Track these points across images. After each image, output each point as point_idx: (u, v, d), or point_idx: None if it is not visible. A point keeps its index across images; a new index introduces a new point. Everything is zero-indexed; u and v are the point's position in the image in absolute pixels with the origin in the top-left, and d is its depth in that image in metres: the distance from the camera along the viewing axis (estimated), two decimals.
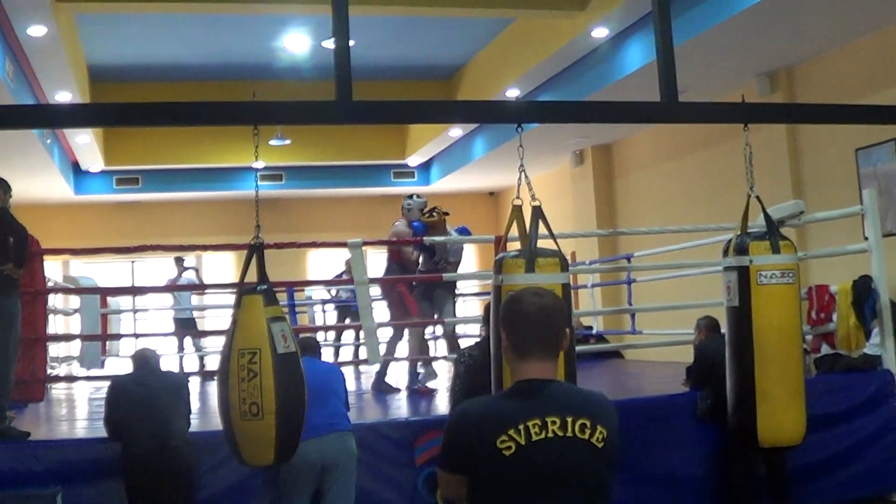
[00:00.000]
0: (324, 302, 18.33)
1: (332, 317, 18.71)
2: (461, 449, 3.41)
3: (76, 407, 12.30)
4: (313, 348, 7.78)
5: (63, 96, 15.85)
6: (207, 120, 7.07)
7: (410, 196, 12.49)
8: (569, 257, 19.94)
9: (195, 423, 8.14)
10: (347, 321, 17.22)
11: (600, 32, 14.24)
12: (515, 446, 3.28)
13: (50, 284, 13.17)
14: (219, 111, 6.56)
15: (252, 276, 6.30)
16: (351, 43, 6.00)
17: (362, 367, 14.70)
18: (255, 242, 6.28)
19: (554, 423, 3.31)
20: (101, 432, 7.74)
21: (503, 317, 3.58)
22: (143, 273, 25.54)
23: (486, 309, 7.72)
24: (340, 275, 16.25)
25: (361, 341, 14.15)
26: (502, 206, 26.80)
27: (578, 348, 14.29)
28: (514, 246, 6.56)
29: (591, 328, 17.16)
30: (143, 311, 18.75)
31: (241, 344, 5.78)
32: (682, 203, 17.45)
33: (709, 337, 9.20)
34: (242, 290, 6.08)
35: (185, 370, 15.67)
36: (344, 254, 15.47)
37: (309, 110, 6.57)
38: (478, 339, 7.91)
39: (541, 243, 6.25)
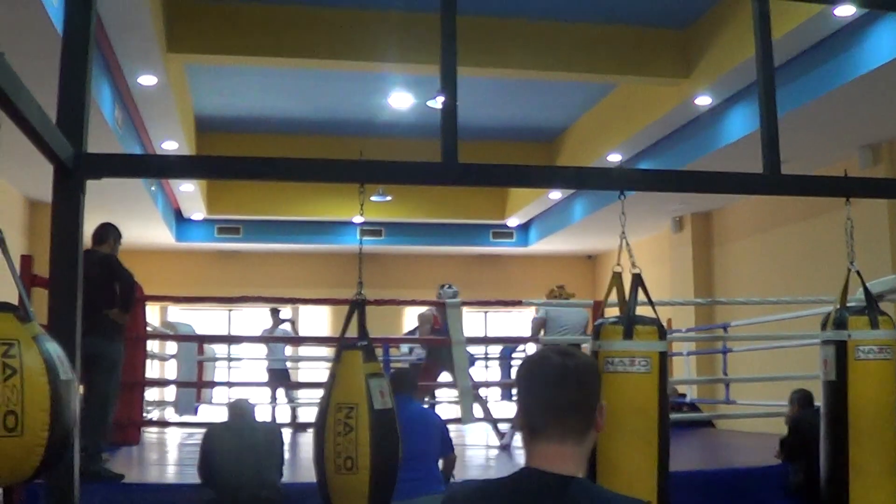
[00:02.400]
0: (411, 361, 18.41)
1: None
2: None
3: (168, 451, 12.46)
4: (409, 386, 7.68)
5: (170, 145, 16.16)
6: (314, 177, 7.17)
7: (442, 286, 13.32)
8: (665, 324, 19.89)
9: (286, 474, 8.22)
10: None
11: (704, 100, 14.22)
12: None
13: (149, 329, 13.40)
14: (326, 168, 6.64)
15: (352, 331, 6.37)
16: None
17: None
18: (357, 298, 6.33)
19: None
20: (193, 478, 7.86)
21: (516, 378, 2.80)
22: (239, 321, 25.84)
23: None
24: (413, 331, 16.26)
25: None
26: (600, 269, 26.74)
27: (671, 416, 14.29)
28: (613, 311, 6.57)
29: (684, 396, 17.02)
30: (238, 359, 18.92)
31: (339, 398, 5.85)
32: (780, 273, 17.29)
33: (802, 410, 9.14)
34: (343, 344, 6.14)
35: (278, 420, 15.77)
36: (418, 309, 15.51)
37: (416, 171, 6.63)
38: None
39: (640, 311, 6.25)
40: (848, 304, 6.88)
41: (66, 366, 3.92)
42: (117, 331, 8.51)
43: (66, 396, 3.84)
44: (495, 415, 13.12)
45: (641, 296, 6.35)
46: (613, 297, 6.50)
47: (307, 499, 7.56)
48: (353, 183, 6.18)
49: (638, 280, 6.23)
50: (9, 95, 3.96)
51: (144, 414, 13.49)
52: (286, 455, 8.37)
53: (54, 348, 3.90)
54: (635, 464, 5.74)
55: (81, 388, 8.25)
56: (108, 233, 8.83)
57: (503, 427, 12.50)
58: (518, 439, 11.62)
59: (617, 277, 6.41)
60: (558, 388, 2.64)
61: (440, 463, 8.07)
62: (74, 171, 5.36)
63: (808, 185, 7.12)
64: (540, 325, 12.80)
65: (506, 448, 12.23)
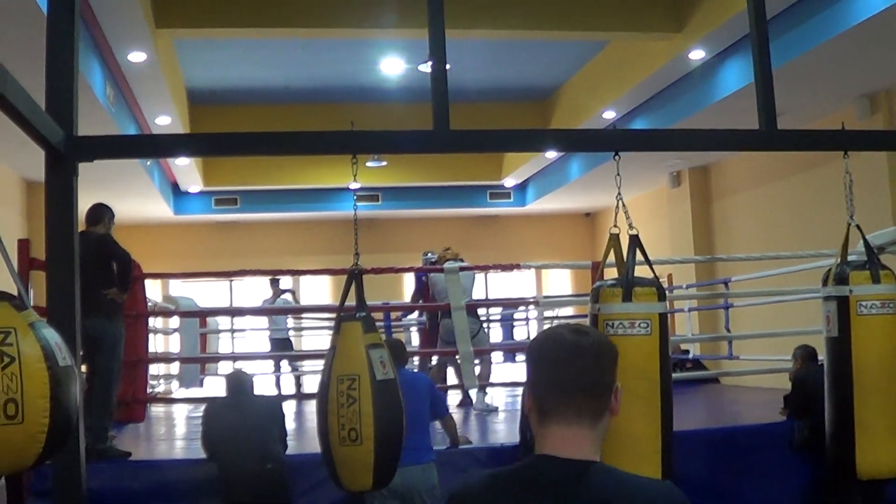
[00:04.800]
0: (419, 324, 18.36)
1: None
2: None
3: (175, 427, 12.50)
4: (399, 355, 7.44)
5: (163, 120, 16.11)
6: (306, 149, 7.19)
7: (426, 253, 14.31)
8: (665, 280, 19.89)
9: (292, 446, 8.25)
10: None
11: (697, 54, 14.15)
12: None
13: (150, 305, 13.40)
14: (317, 141, 6.63)
15: (351, 302, 6.36)
16: (447, 67, 6.04)
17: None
18: (354, 269, 6.32)
19: None
20: (199, 453, 7.88)
21: (526, 358, 2.59)
22: (241, 292, 25.84)
23: None
24: (418, 286, 16.23)
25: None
26: (599, 227, 26.70)
27: (674, 375, 14.32)
28: (612, 273, 6.55)
29: (687, 352, 17.04)
30: (241, 331, 18.94)
31: (341, 370, 5.84)
32: (781, 226, 17.25)
33: (805, 366, 9.14)
34: (342, 316, 6.14)
35: (282, 390, 15.80)
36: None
37: (407, 140, 6.61)
38: None
39: (638, 271, 6.23)
40: (849, 259, 6.86)
41: (64, 351, 3.92)
42: (117, 310, 8.52)
43: (65, 382, 3.84)
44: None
45: (640, 257, 6.34)
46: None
47: (314, 470, 7.60)
48: (345, 154, 6.15)
49: (636, 241, 6.20)
50: None
51: (149, 389, 13.53)
52: (292, 426, 8.40)
53: (51, 335, 3.90)
54: (639, 427, 5.73)
55: (84, 369, 8.28)
56: (101, 213, 8.81)
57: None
58: (480, 401, 11.90)
59: (614, 239, 6.39)
60: (571, 367, 2.46)
61: (439, 428, 8.12)
62: (66, 154, 5.36)
63: (805, 140, 7.08)
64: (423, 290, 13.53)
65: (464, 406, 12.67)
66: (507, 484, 2.47)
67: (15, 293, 3.97)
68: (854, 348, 6.53)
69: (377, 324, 7.48)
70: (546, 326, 10.89)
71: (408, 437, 6.33)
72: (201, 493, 7.65)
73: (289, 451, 7.91)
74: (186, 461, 8.51)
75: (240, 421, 7.53)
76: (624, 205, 6.20)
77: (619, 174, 6.19)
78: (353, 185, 6.46)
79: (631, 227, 6.17)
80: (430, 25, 6.17)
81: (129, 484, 7.77)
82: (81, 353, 7.90)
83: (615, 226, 6.26)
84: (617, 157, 6.31)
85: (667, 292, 17.38)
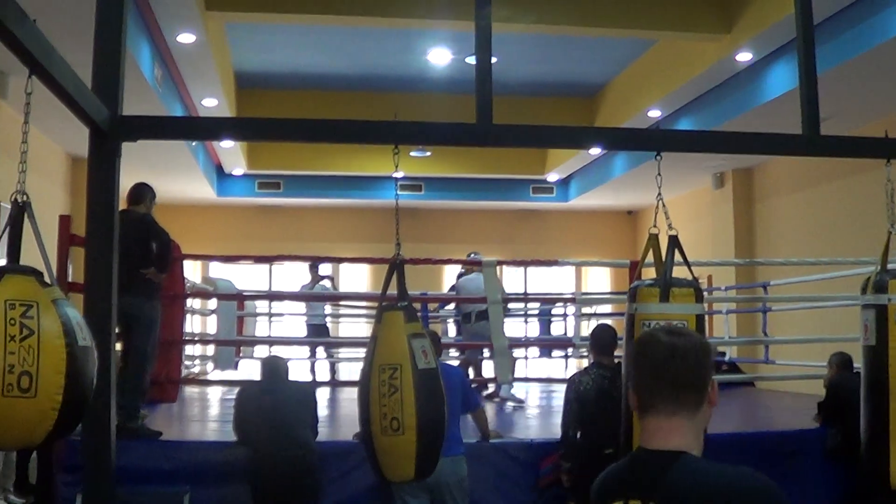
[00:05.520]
0: (456, 315, 18.33)
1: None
2: None
3: (208, 408, 12.55)
4: (434, 347, 7.59)
5: (210, 102, 16.17)
6: (347, 138, 7.21)
7: (470, 254, 14.42)
8: (704, 281, 19.81)
9: (325, 432, 8.28)
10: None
11: (745, 56, 14.10)
12: None
13: (189, 286, 13.46)
14: (359, 130, 6.63)
15: (393, 292, 6.36)
16: (493, 60, 6.03)
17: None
18: (396, 259, 6.32)
19: None
20: (231, 435, 7.91)
21: (625, 360, 2.98)
22: (280, 276, 25.90)
23: (595, 335, 7.73)
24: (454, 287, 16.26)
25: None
26: (641, 225, 26.59)
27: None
28: (651, 273, 6.53)
29: (723, 355, 16.96)
30: (278, 315, 18.98)
31: (382, 360, 5.84)
32: (823, 231, 17.14)
33: (840, 373, 9.08)
34: (383, 306, 6.14)
35: (317, 376, 15.83)
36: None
37: (449, 132, 6.60)
38: (587, 366, 7.91)
39: (679, 271, 6.20)
40: (889, 268, 6.79)
41: (84, 332, 3.94)
42: (154, 290, 8.56)
43: (83, 361, 3.86)
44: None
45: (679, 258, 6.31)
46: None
47: (344, 458, 7.63)
48: (388, 144, 6.15)
49: (675, 242, 6.19)
50: (40, 61, 3.98)
51: (184, 370, 13.59)
52: (325, 412, 8.40)
53: (74, 313, 3.92)
54: None
55: (119, 347, 8.33)
56: (143, 193, 8.85)
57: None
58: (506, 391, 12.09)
59: (653, 239, 6.36)
60: (666, 367, 2.69)
61: (470, 421, 8.12)
62: (110, 134, 5.38)
63: (848, 146, 7.03)
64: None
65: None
66: (615, 476, 2.75)
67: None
68: (891, 357, 6.45)
69: None
70: (596, 322, 10.94)
71: None
72: (230, 475, 7.69)
73: (321, 439, 7.92)
74: (217, 443, 8.55)
75: (272, 406, 7.56)
76: (664, 205, 6.18)
77: (659, 174, 6.17)
78: (396, 175, 6.45)
79: (670, 227, 6.15)
80: (477, 17, 6.17)
81: (159, 463, 7.81)
82: (117, 331, 8.01)
83: (654, 226, 6.24)
84: (658, 158, 6.29)
85: (705, 294, 17.45)
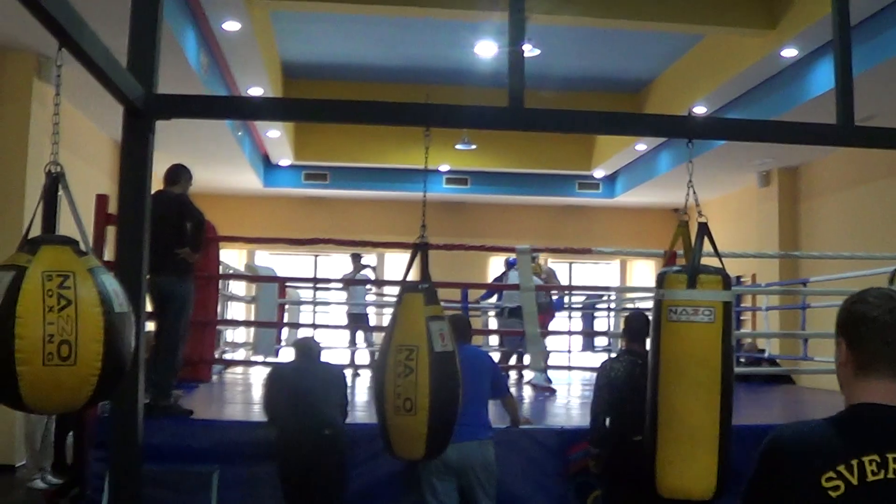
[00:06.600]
0: (497, 307, 18.37)
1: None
2: (773, 485, 2.69)
3: (243, 391, 12.65)
4: (463, 331, 7.65)
5: (255, 91, 16.28)
6: (378, 119, 7.21)
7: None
8: (749, 279, 19.76)
9: (359, 415, 8.34)
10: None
11: (790, 52, 14.05)
12: (846, 487, 2.55)
13: (230, 272, 13.54)
14: (389, 111, 6.68)
15: (417, 276, 6.39)
16: (537, 52, 6.07)
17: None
18: (419, 241, 6.36)
19: None
20: (260, 416, 7.98)
21: (842, 321, 2.83)
22: (325, 267, 26.04)
23: (628, 321, 7.73)
24: (501, 276, 16.28)
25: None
26: (692, 226, 26.42)
27: (749, 370, 14.27)
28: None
29: (763, 351, 16.90)
30: (322, 303, 19.06)
31: (400, 340, 5.85)
32: (868, 229, 17.03)
33: None
34: (404, 287, 6.16)
35: (357, 364, 15.91)
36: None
37: (479, 115, 6.62)
38: (618, 352, 7.92)
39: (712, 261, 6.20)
40: None
41: (121, 298, 4.00)
42: (188, 269, 8.62)
43: (120, 328, 3.92)
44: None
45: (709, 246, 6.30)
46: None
47: (374, 440, 7.67)
48: (417, 126, 6.18)
49: (703, 229, 6.18)
50: (69, 32, 4.03)
51: (224, 354, 13.68)
52: (360, 396, 8.44)
53: (110, 281, 3.98)
54: (697, 414, 5.70)
55: (153, 326, 8.42)
56: (180, 173, 8.93)
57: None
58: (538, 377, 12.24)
59: (684, 226, 6.37)
60: (892, 331, 2.69)
61: (501, 407, 8.15)
62: (143, 111, 5.43)
63: (881, 137, 6.96)
64: None
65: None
66: (830, 423, 2.70)
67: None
68: None
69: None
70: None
71: (466, 412, 6.35)
72: (259, 455, 7.76)
73: (352, 420, 7.97)
74: (246, 423, 8.64)
75: (301, 386, 7.60)
76: (694, 192, 6.17)
77: (691, 160, 6.17)
78: (426, 163, 6.46)
79: (700, 214, 6.15)
80: (512, 2, 6.19)
81: (189, 441, 7.90)
82: (150, 310, 8.10)
83: (685, 213, 6.25)
84: (690, 145, 6.29)
85: (748, 291, 17.32)
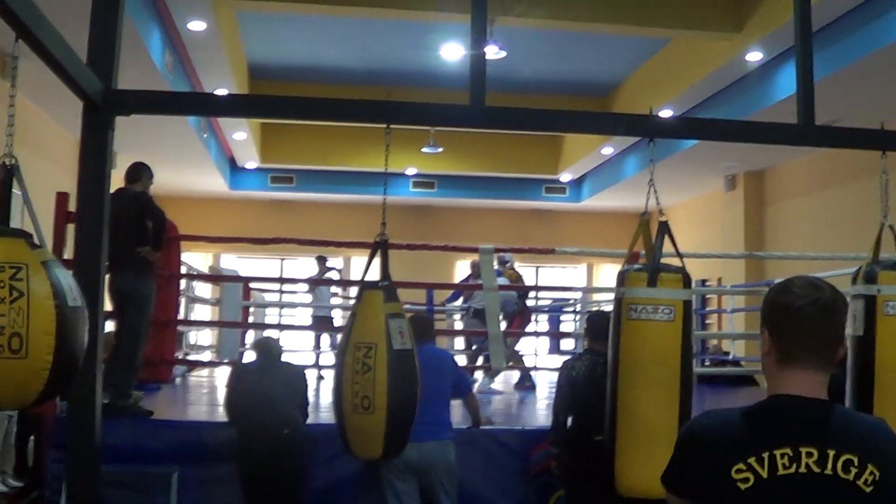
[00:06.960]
0: (462, 309, 18.33)
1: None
2: (685, 471, 2.76)
3: (205, 392, 12.60)
4: (424, 331, 7.49)
5: (221, 92, 16.15)
6: (340, 116, 7.23)
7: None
8: (715, 282, 19.82)
9: (323, 416, 8.29)
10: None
11: (755, 56, 14.13)
12: (755, 480, 2.58)
13: (191, 271, 13.45)
14: (352, 108, 6.67)
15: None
16: (503, 54, 6.07)
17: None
18: (379, 240, 6.34)
19: (810, 454, 2.57)
20: (221, 416, 7.95)
21: (766, 312, 2.82)
22: (291, 271, 25.98)
23: (589, 320, 7.71)
24: (467, 278, 16.27)
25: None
26: (654, 226, 26.51)
27: (713, 370, 14.35)
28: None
29: (727, 354, 16.95)
30: (287, 305, 18.99)
31: (359, 337, 5.83)
32: (833, 233, 17.13)
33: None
34: (364, 284, 6.14)
35: (321, 366, 15.85)
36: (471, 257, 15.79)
37: (440, 112, 6.63)
38: (581, 352, 7.91)
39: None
40: (879, 259, 6.76)
41: (75, 293, 3.97)
42: (148, 268, 8.55)
43: (73, 322, 3.89)
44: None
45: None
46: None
47: (335, 440, 7.64)
48: (380, 123, 6.15)
49: (664, 228, 6.19)
50: (31, 28, 3.99)
51: (185, 355, 13.60)
52: (327, 399, 8.40)
53: (64, 275, 3.95)
54: (656, 412, 5.72)
55: (113, 325, 8.37)
56: (140, 171, 8.86)
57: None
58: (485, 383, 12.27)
59: (644, 225, 6.38)
60: (814, 322, 2.72)
61: (462, 407, 8.12)
62: (102, 106, 5.41)
63: (841, 136, 6.98)
64: None
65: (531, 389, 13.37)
66: (743, 421, 2.71)
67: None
68: (878, 348, 6.38)
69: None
70: None
71: (427, 412, 6.33)
72: (218, 455, 7.71)
73: (315, 421, 7.95)
74: (206, 423, 8.57)
75: (261, 385, 7.57)
76: (655, 190, 6.18)
77: (652, 160, 6.19)
78: (385, 163, 6.43)
79: (661, 213, 6.17)
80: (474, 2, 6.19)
81: (148, 442, 7.85)
82: (111, 309, 8.05)
83: (645, 212, 6.26)
84: (651, 144, 6.31)
85: (714, 292, 17.31)
